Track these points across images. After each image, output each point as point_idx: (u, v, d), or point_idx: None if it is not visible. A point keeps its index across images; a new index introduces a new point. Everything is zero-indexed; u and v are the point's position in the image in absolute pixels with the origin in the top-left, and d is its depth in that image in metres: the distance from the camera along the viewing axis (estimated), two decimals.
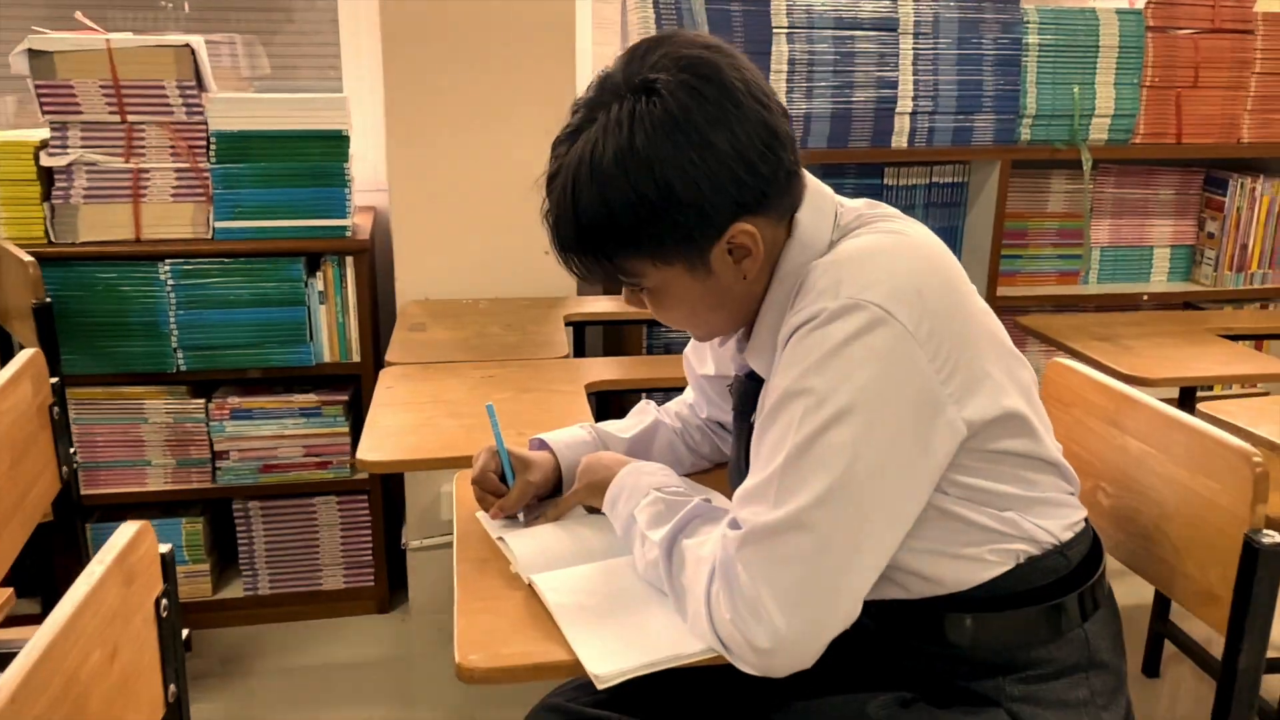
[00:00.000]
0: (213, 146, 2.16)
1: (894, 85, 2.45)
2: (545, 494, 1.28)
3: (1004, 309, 2.52)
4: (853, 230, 1.04)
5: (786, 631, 0.93)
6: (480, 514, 1.26)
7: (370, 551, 2.44)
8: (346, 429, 2.33)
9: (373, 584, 2.46)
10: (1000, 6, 2.47)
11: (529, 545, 1.16)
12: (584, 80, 2.51)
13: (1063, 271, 2.72)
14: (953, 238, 2.65)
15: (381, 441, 1.47)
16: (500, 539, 1.19)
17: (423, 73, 2.20)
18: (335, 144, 2.19)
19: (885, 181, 2.60)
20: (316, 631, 2.40)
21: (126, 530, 0.89)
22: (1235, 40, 2.57)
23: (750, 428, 1.13)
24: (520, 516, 1.24)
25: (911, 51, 2.45)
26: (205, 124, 2.15)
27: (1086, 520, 1.10)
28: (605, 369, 1.82)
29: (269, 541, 2.39)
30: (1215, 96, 2.59)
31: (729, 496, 1.20)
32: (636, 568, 1.10)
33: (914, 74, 2.46)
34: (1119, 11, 2.53)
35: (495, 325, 2.05)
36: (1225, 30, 2.56)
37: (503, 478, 1.25)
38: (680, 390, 1.43)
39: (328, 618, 2.44)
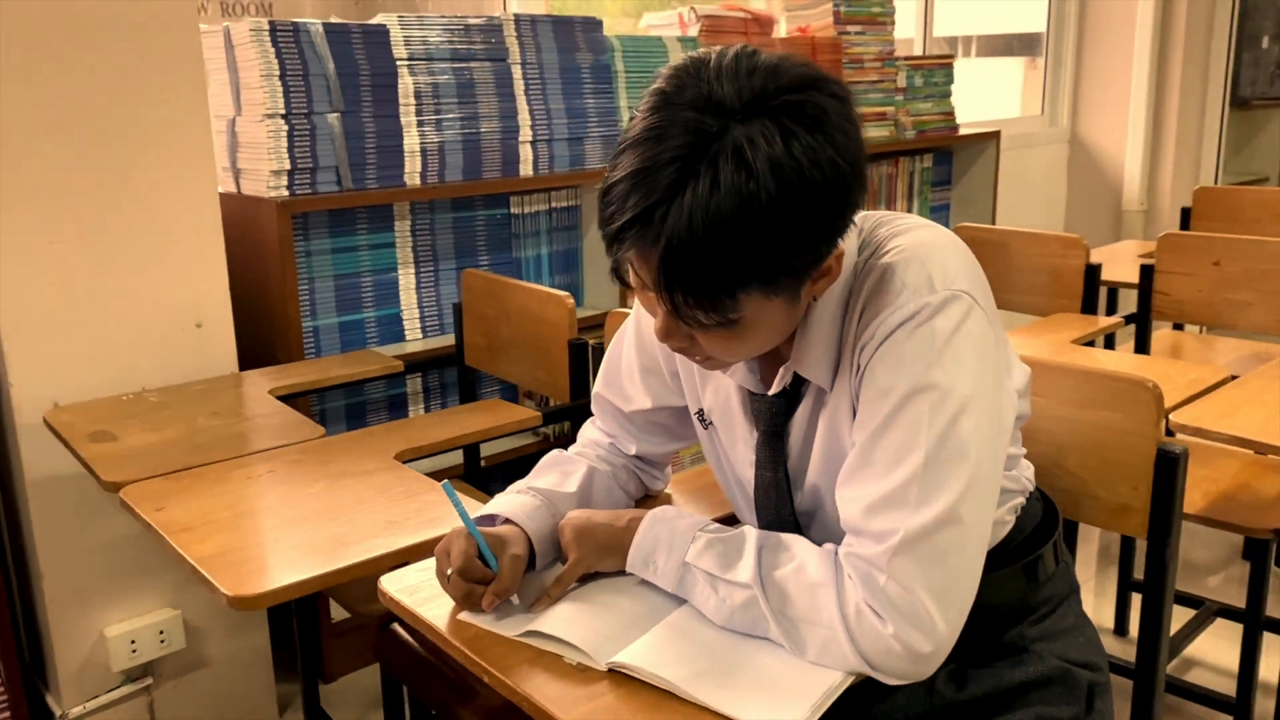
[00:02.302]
0: None
1: (514, 115, 2.46)
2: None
3: None
4: (874, 232, 1.06)
5: (944, 629, 0.94)
6: (467, 615, 1.07)
7: None
8: None
9: None
10: (589, 37, 2.59)
11: (580, 629, 1.02)
12: (220, 120, 2.19)
13: None
14: (574, 260, 2.73)
15: (248, 568, 1.18)
16: (532, 633, 1.03)
17: (17, 120, 1.75)
18: None
19: (512, 210, 2.60)
20: None
21: None
22: None
23: (783, 448, 1.11)
24: (514, 600, 1.08)
25: (523, 81, 2.48)
26: None
27: None
28: (396, 436, 1.62)
29: None
30: None
31: (758, 520, 1.17)
32: (711, 616, 1.03)
33: (529, 103, 2.49)
34: (681, 39, 2.79)
35: (200, 416, 1.71)
36: None
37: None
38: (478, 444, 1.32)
39: None
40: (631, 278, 0.98)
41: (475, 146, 2.40)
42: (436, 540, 1.18)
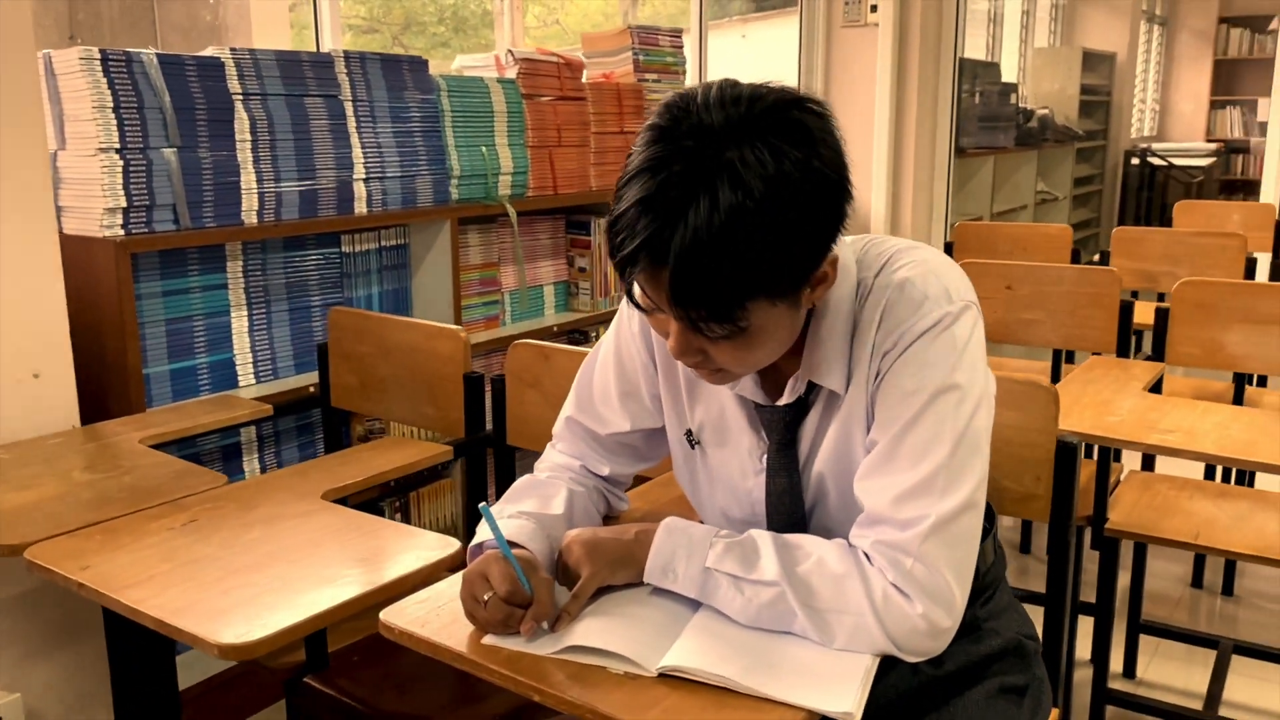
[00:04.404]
0: None
1: (348, 152, 2.42)
2: None
3: (475, 354, 2.68)
4: (868, 250, 1.15)
5: (960, 604, 1.05)
6: (492, 639, 1.06)
7: None
8: None
9: None
10: (416, 75, 2.59)
11: (621, 638, 1.04)
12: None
13: (488, 317, 2.94)
14: (404, 298, 2.69)
15: (229, 618, 1.10)
16: (573, 648, 1.04)
17: None
18: None
19: (344, 249, 2.53)
20: None
21: None
22: (577, 105, 3.05)
23: (795, 455, 1.17)
24: (544, 624, 1.08)
25: (355, 118, 2.44)
26: None
27: None
28: (309, 477, 1.55)
29: None
30: (573, 153, 3.05)
31: (768, 525, 1.22)
32: (737, 616, 1.07)
33: (361, 140, 2.45)
34: (500, 80, 2.83)
35: (73, 471, 1.56)
36: (570, 98, 3.03)
37: None
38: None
39: None
40: (641, 299, 1.03)
41: (311, 184, 2.34)
42: (420, 573, 1.17)
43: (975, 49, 6.87)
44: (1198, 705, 2.29)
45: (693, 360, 1.07)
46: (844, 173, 1.02)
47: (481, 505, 1.10)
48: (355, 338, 2.02)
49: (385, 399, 1.96)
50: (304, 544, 1.30)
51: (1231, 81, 9.34)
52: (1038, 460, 1.43)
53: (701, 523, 1.31)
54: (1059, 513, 1.42)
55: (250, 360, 2.35)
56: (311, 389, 2.33)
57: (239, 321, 2.33)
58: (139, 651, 1.79)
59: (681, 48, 3.47)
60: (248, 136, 2.21)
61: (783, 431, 1.18)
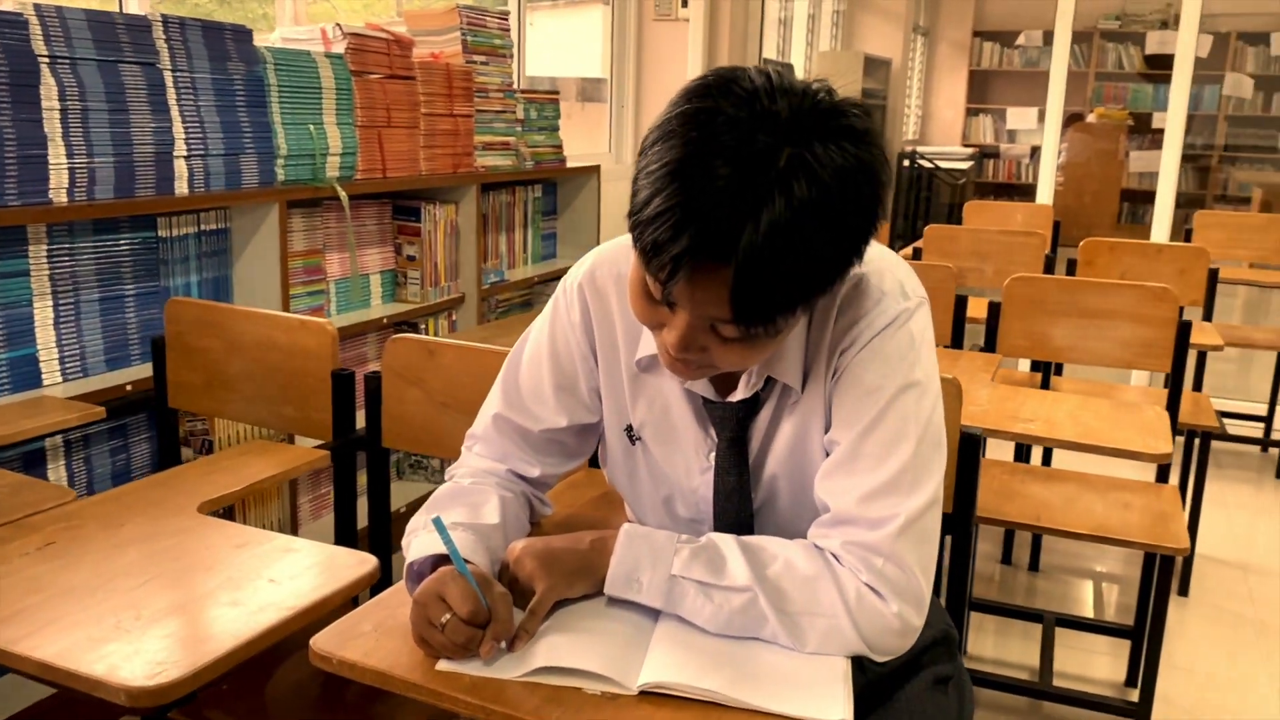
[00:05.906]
0: None
1: (168, 126, 2.19)
2: None
3: None
4: None
5: (928, 600, 1.05)
6: (447, 664, 0.97)
7: None
8: None
9: None
10: (240, 46, 2.38)
11: (595, 656, 0.97)
12: None
13: (312, 308, 2.75)
14: (224, 288, 2.48)
15: (127, 656, 0.95)
16: (544, 669, 0.96)
17: None
18: None
19: (160, 233, 2.30)
20: None
21: None
22: (407, 85, 2.91)
23: (745, 453, 1.13)
24: (502, 644, 1.00)
25: (175, 89, 2.22)
26: None
27: None
28: (174, 489, 1.37)
29: None
30: (402, 134, 2.90)
31: (715, 525, 1.17)
32: (705, 624, 1.03)
33: (182, 113, 2.23)
34: (328, 55, 2.65)
35: None
36: (400, 76, 2.88)
37: None
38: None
39: None
40: (655, 291, 0.96)
41: (128, 160, 2.11)
42: (341, 593, 1.07)
43: (767, 49, 7.08)
44: (1026, 676, 2.44)
45: (690, 356, 1.00)
46: (889, 173, 0.98)
47: (434, 519, 1.00)
48: (199, 331, 1.83)
49: (235, 399, 1.78)
50: (194, 566, 1.15)
51: (984, 91, 10.07)
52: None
53: (636, 520, 1.27)
54: (961, 505, 1.45)
55: (56, 356, 2.10)
56: (129, 387, 2.10)
57: (43, 313, 2.06)
58: None
59: (509, 30, 3.37)
60: (56, 105, 1.96)
61: (733, 428, 1.14)
